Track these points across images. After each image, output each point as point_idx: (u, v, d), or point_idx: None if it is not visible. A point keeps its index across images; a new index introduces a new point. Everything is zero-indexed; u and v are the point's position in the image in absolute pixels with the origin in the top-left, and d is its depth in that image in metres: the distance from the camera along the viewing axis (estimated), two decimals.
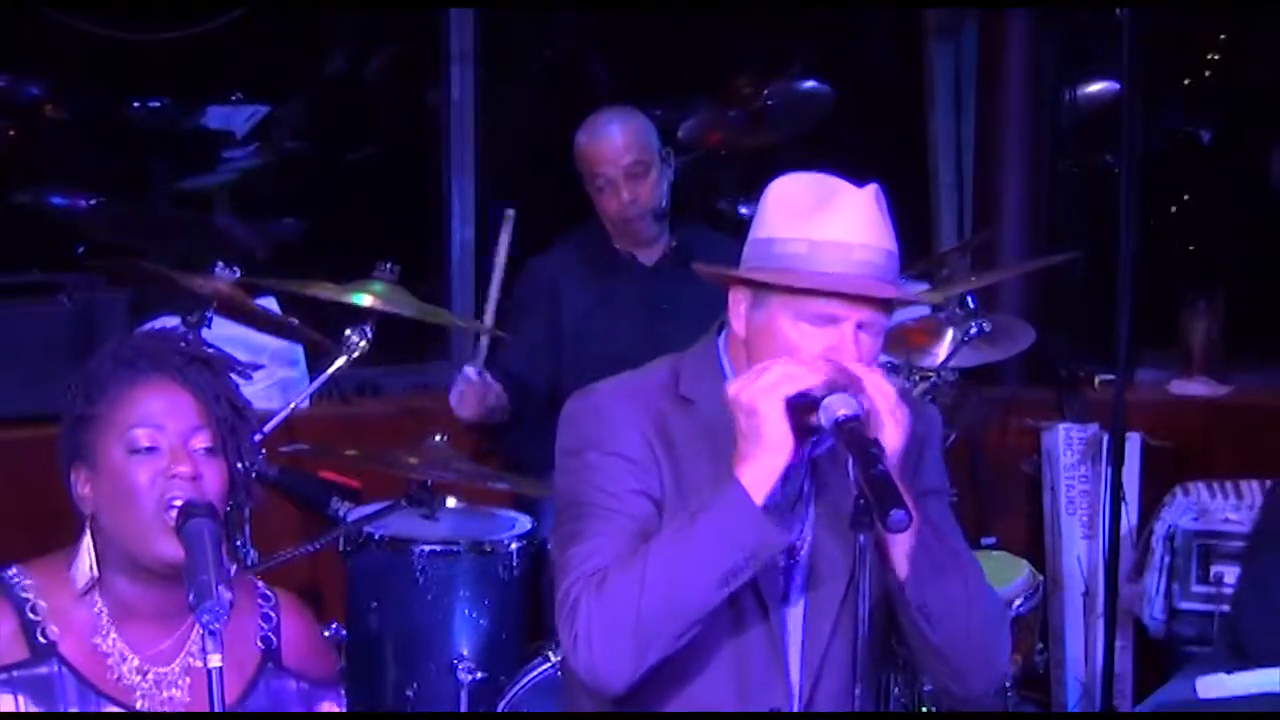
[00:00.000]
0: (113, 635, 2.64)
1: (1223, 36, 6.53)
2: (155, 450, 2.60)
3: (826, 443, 2.89)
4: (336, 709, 2.79)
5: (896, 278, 2.84)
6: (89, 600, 2.64)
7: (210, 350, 2.73)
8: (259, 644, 2.73)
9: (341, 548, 4.39)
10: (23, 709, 2.58)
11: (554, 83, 6.81)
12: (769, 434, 2.70)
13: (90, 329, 5.01)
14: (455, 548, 4.35)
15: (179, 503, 2.57)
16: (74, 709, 2.60)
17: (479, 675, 4.27)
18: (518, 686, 4.15)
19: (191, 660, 2.66)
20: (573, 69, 6.79)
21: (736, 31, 6.55)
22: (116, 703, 2.61)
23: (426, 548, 4.33)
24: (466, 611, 4.33)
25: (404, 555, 4.31)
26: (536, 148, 6.47)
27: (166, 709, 2.64)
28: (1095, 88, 6.34)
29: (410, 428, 4.71)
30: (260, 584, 2.82)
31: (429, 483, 4.35)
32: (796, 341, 2.79)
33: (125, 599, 2.64)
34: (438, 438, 4.40)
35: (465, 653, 4.31)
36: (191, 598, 2.45)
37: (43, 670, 2.60)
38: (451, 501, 4.53)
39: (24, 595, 2.63)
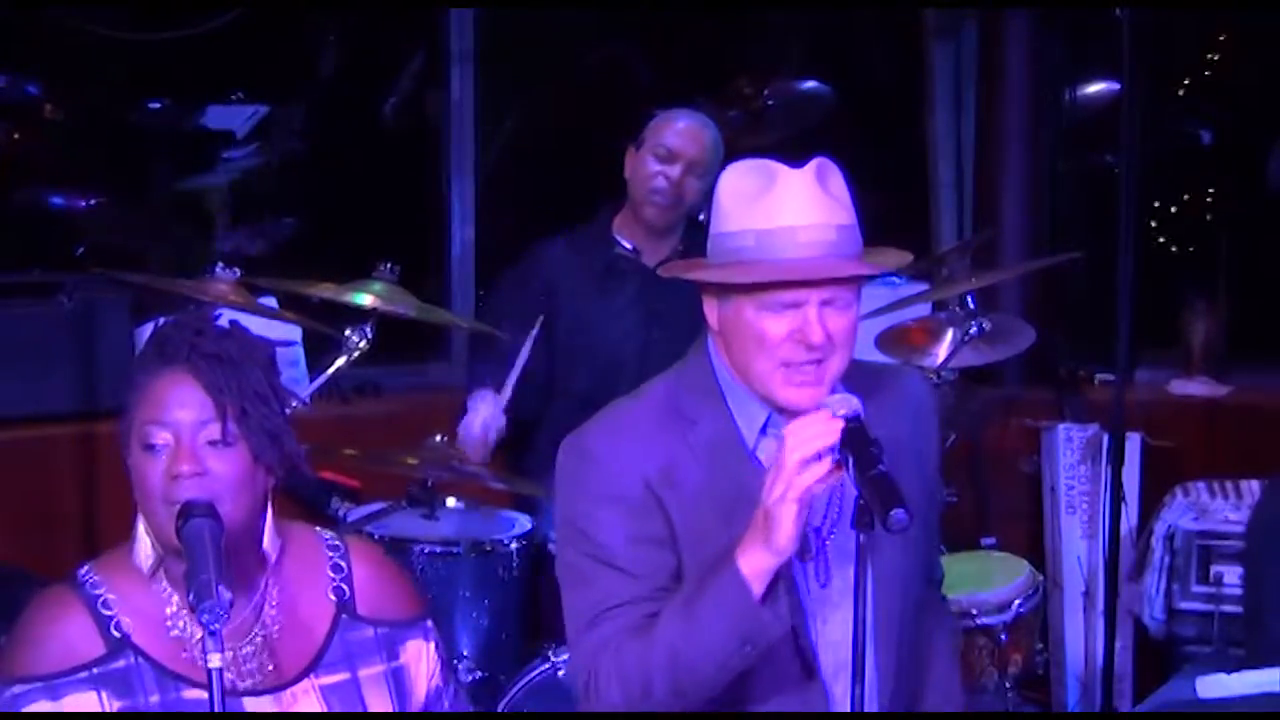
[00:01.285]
0: (184, 618, 2.65)
1: (1223, 37, 6.53)
2: (164, 447, 2.61)
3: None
4: (424, 645, 2.78)
5: (855, 248, 2.80)
6: (157, 588, 2.66)
7: (230, 334, 2.70)
8: (331, 596, 2.75)
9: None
10: (106, 705, 2.60)
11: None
12: (778, 539, 2.67)
13: (90, 329, 5.01)
14: (455, 548, 4.35)
15: (181, 500, 2.57)
16: (155, 698, 2.62)
17: (479, 675, 4.27)
18: (518, 686, 4.15)
19: (270, 628, 2.68)
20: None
21: (736, 31, 6.55)
22: (195, 685, 2.61)
23: (426, 548, 4.33)
24: (466, 611, 4.33)
25: (404, 555, 4.31)
26: (552, 149, 6.49)
27: (249, 682, 2.65)
28: (1095, 88, 6.34)
29: (410, 428, 4.71)
30: (327, 535, 2.83)
31: (429, 483, 4.35)
32: (764, 330, 2.77)
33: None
34: (438, 438, 4.40)
35: (465, 653, 4.31)
36: (191, 597, 2.46)
37: (120, 664, 2.62)
38: (451, 501, 4.53)
39: (95, 591, 2.65)
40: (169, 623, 2.66)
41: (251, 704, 2.65)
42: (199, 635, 2.57)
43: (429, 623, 2.83)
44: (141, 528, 2.66)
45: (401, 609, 2.80)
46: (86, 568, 2.70)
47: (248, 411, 2.64)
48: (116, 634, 2.63)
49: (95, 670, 2.61)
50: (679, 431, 2.85)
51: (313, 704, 2.68)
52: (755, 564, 2.68)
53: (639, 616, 2.78)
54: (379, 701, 2.73)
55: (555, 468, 2.92)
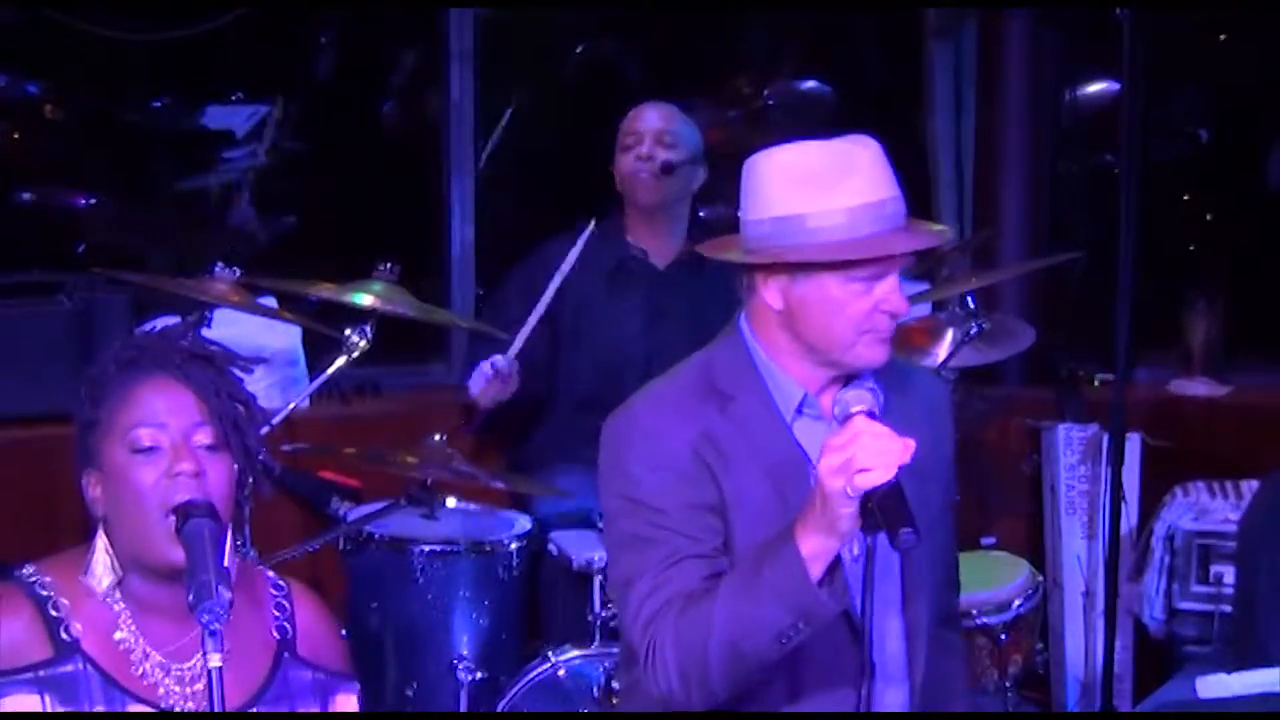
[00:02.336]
0: (134, 632, 2.63)
1: (1223, 37, 6.53)
2: (157, 449, 2.60)
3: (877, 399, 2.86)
4: (353, 700, 2.78)
5: (905, 216, 2.90)
6: (109, 598, 2.64)
7: (211, 346, 2.72)
8: (274, 634, 2.73)
9: (341, 547, 4.40)
10: (49, 708, 2.57)
11: (567, 82, 6.82)
12: (839, 525, 2.68)
13: (90, 329, 5.01)
14: (455, 548, 4.35)
15: (181, 500, 2.56)
16: (99, 707, 2.59)
17: (479, 675, 4.27)
18: (518, 686, 4.15)
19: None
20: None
21: (736, 31, 6.55)
22: (141, 700, 2.61)
23: (426, 548, 4.33)
24: (466, 611, 4.33)
25: (404, 555, 4.31)
26: (552, 147, 6.49)
27: (191, 705, 2.63)
28: (1095, 88, 6.34)
29: (410, 428, 4.71)
30: (271, 574, 2.82)
31: (429, 483, 4.35)
32: (850, 302, 2.84)
33: (143, 597, 2.64)
34: (438, 438, 4.40)
35: (465, 653, 4.31)
36: (191, 598, 2.45)
37: (67, 669, 2.59)
38: (451, 501, 4.53)
39: (44, 593, 2.63)
40: (118, 635, 2.63)
41: None
42: (149, 651, 2.61)
43: (357, 683, 2.81)
44: (101, 544, 2.63)
45: (337, 660, 2.80)
46: (31, 569, 2.66)
47: (236, 420, 2.65)
48: (66, 638, 2.61)
49: (41, 673, 2.58)
50: (718, 405, 2.91)
51: None
52: (815, 546, 2.70)
53: (699, 578, 2.81)
54: None
55: (601, 449, 2.96)
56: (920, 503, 2.72)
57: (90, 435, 2.64)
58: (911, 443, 2.66)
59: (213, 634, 2.43)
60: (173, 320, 4.39)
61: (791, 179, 2.86)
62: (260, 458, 2.69)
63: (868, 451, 2.64)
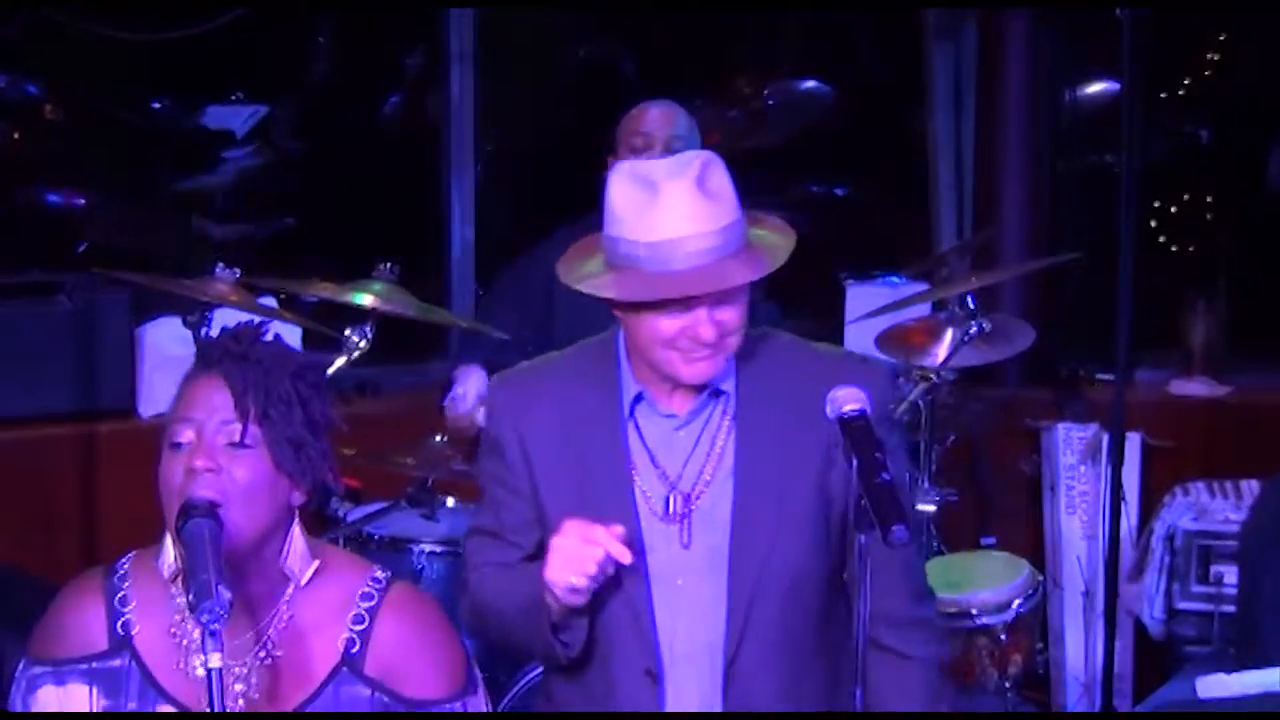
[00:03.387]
0: (190, 626, 2.63)
1: (1222, 36, 6.53)
2: (186, 445, 2.62)
3: (729, 403, 3.00)
4: None
5: (739, 243, 2.90)
6: (174, 592, 2.65)
7: (262, 344, 2.70)
8: (339, 645, 2.67)
9: (341, 548, 4.39)
10: (94, 702, 2.62)
11: (567, 82, 6.81)
12: (553, 604, 2.92)
13: (90, 329, 5.01)
14: (455, 548, 4.34)
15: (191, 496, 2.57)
16: (133, 705, 2.62)
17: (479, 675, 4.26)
18: (518, 686, 4.15)
19: (272, 654, 2.65)
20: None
21: (736, 31, 6.55)
22: (173, 700, 2.62)
23: (426, 548, 4.33)
24: None
25: (404, 555, 4.31)
26: (550, 147, 6.49)
27: (230, 703, 2.62)
28: (1095, 88, 6.34)
29: (410, 428, 4.71)
30: (378, 577, 2.75)
31: (429, 483, 4.35)
32: (657, 328, 2.90)
33: None
34: (438, 438, 4.40)
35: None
36: (191, 597, 2.46)
37: (115, 663, 2.63)
38: (451, 501, 4.52)
39: (120, 584, 2.68)
40: (174, 630, 2.66)
41: None
42: (194, 646, 2.60)
43: (462, 703, 2.74)
44: (169, 537, 2.65)
45: (418, 686, 2.71)
46: (127, 558, 2.72)
47: (270, 415, 2.63)
48: (121, 633, 2.64)
49: (94, 664, 2.63)
50: (568, 386, 3.04)
51: None
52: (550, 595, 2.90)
53: (500, 555, 3.06)
54: None
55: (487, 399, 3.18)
56: (780, 491, 2.91)
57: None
58: (608, 551, 2.83)
59: (212, 634, 2.43)
60: (173, 320, 4.40)
61: (615, 200, 2.92)
62: (309, 454, 2.66)
63: (555, 565, 2.86)
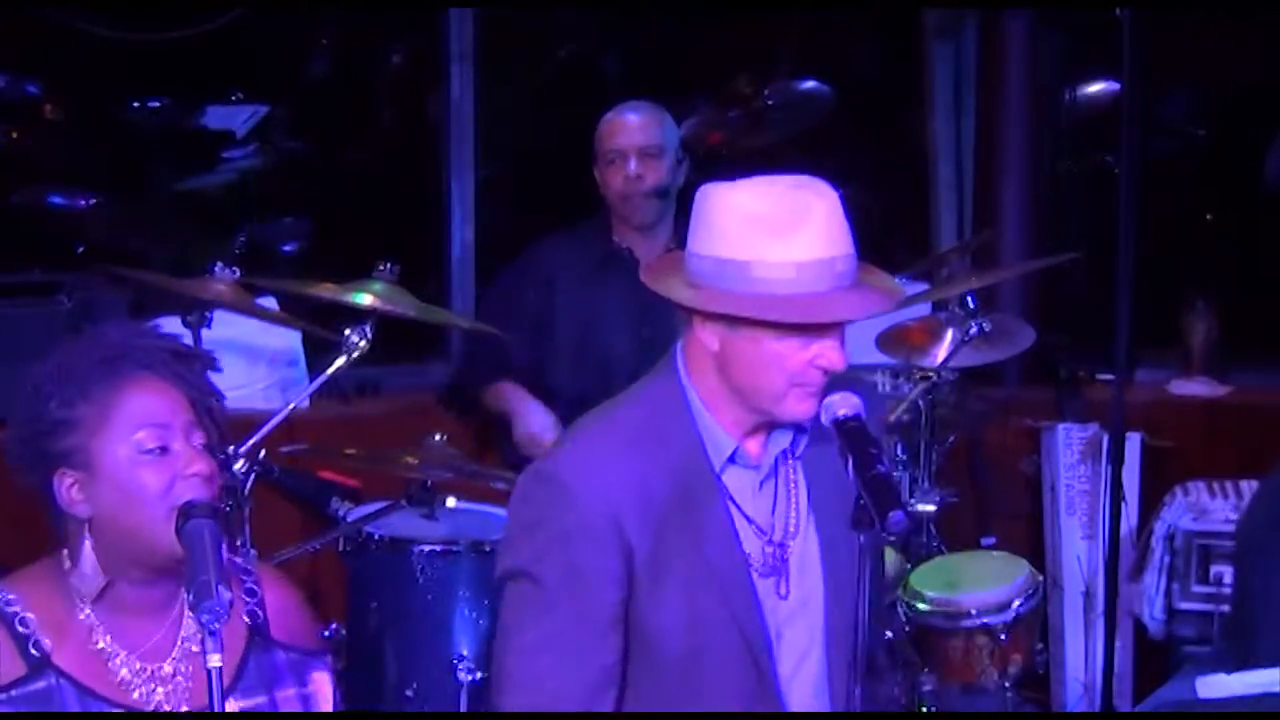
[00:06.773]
0: (107, 636, 2.62)
1: (1222, 37, 6.53)
2: (165, 451, 2.59)
3: (797, 442, 2.91)
4: (328, 678, 2.76)
5: (856, 270, 2.81)
6: (77, 605, 2.62)
7: (185, 344, 2.72)
8: (245, 619, 2.72)
9: (341, 548, 4.39)
10: None
11: (566, 82, 6.81)
12: None
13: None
14: (455, 548, 4.34)
15: (187, 500, 2.56)
16: None
17: (479, 675, 4.26)
18: None
19: (189, 647, 2.65)
20: (587, 69, 6.79)
21: (736, 31, 6.55)
22: (117, 705, 2.60)
23: (426, 548, 4.33)
24: (466, 611, 4.33)
25: (404, 555, 4.31)
26: (544, 147, 6.48)
27: (169, 702, 2.62)
28: (1095, 88, 6.34)
29: (410, 428, 4.71)
30: (238, 560, 2.79)
31: (429, 483, 4.35)
32: (787, 357, 2.78)
33: (123, 599, 2.62)
34: (438, 438, 4.40)
35: (465, 653, 4.31)
36: (191, 598, 2.45)
37: (41, 685, 2.57)
38: (451, 501, 4.52)
39: (11, 610, 2.61)
40: (91, 642, 2.61)
41: None
42: (123, 653, 2.60)
43: (329, 658, 2.80)
44: (89, 547, 2.60)
45: (309, 639, 2.80)
46: (1, 584, 2.64)
47: (214, 419, 2.65)
48: (36, 653, 2.58)
49: (14, 692, 2.56)
50: (652, 452, 2.86)
51: None
52: None
53: (579, 685, 2.85)
54: None
55: (518, 497, 2.95)
56: (836, 545, 2.84)
57: (67, 435, 2.60)
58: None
59: (213, 634, 2.42)
60: (173, 320, 4.40)
61: (742, 220, 2.75)
62: (230, 458, 2.70)
63: None
